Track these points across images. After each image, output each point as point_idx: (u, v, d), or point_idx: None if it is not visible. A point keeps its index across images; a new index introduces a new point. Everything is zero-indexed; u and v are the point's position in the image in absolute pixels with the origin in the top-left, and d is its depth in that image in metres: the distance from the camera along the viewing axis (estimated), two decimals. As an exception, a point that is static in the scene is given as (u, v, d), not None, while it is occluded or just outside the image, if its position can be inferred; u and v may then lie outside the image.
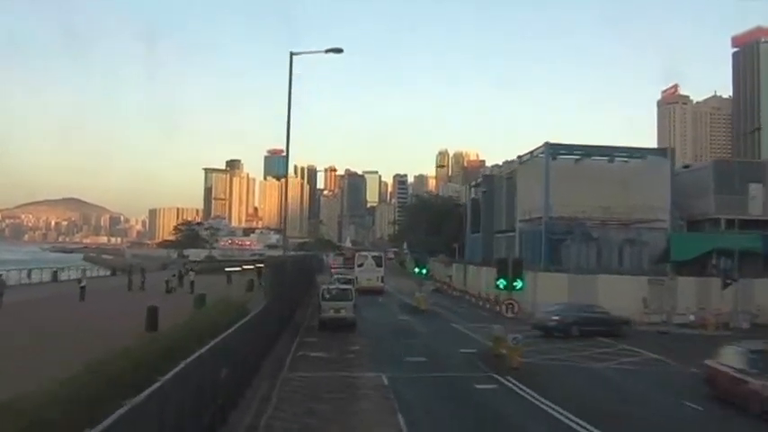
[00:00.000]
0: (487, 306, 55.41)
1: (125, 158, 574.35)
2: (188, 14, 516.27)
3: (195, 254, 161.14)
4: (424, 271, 56.08)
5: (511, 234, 66.21)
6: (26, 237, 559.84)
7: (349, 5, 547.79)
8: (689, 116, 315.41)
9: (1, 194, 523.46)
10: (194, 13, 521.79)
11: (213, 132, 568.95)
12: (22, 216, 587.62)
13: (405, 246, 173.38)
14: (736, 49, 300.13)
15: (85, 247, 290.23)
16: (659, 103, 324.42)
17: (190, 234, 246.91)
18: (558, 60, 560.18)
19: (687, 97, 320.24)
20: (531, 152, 58.15)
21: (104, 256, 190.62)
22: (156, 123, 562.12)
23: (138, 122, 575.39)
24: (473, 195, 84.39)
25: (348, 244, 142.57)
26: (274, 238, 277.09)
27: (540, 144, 57.02)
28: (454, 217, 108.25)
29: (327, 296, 40.17)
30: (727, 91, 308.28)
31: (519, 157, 60.85)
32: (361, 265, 72.78)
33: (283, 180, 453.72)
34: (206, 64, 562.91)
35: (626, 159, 59.73)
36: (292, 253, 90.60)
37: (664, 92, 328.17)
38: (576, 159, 59.90)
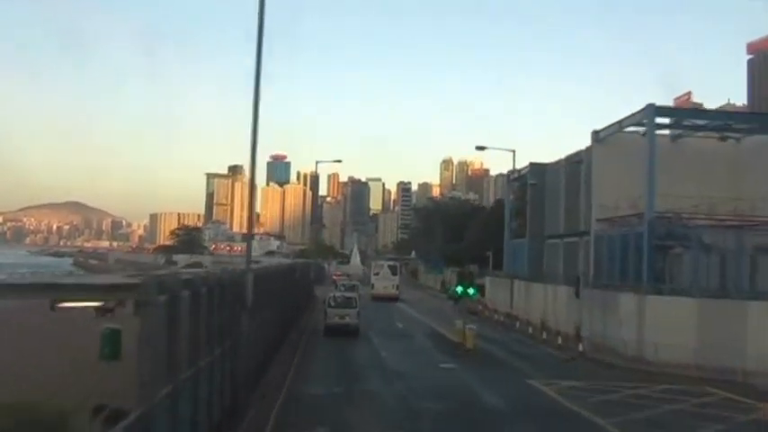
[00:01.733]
0: (558, 342, 37.41)
1: (128, 162, 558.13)
2: (190, 19, 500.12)
3: (185, 260, 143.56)
4: (471, 291, 37.30)
5: (572, 239, 48.27)
6: (27, 240, 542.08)
7: (353, 13, 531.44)
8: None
9: (3, 197, 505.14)
10: (196, 18, 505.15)
11: (215, 137, 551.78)
12: (24, 219, 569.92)
13: (413, 254, 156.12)
14: (750, 56, 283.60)
15: (80, 251, 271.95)
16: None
17: (187, 239, 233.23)
18: (566, 70, 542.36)
19: (701, 105, 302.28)
20: (620, 122, 40.13)
21: (91, 261, 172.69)
22: (159, 127, 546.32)
23: (141, 126, 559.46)
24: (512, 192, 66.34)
25: (356, 257, 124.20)
26: (275, 244, 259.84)
27: (634, 112, 39.13)
28: (477, 221, 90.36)
29: (333, 304, 41.09)
30: (741, 98, 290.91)
31: (595, 132, 42.86)
32: (377, 274, 73.56)
33: (286, 186, 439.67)
34: (208, 68, 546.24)
35: (739, 137, 41.97)
36: (277, 261, 72.83)
37: (677, 99, 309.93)
38: (675, 136, 42.12)
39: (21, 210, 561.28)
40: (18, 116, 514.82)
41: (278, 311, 28.71)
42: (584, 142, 45.30)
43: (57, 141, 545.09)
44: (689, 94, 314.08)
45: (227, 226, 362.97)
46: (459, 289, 35.77)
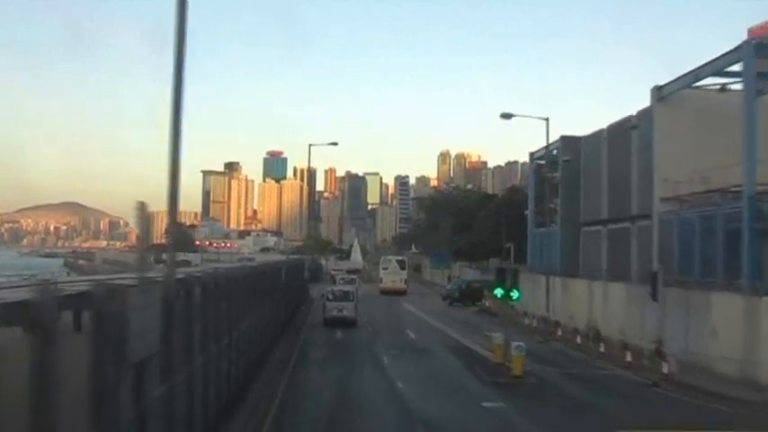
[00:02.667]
0: (626, 359, 28.00)
1: (125, 162, 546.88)
2: (186, 18, 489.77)
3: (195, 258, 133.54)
4: (515, 294, 27.19)
5: (619, 225, 38.85)
6: (24, 241, 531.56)
7: (348, 5, 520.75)
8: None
9: (1, 199, 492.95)
10: (192, 16, 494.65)
11: (211, 134, 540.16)
12: (22, 220, 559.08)
13: (413, 248, 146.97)
14: (753, 42, 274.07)
15: (73, 252, 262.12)
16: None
17: (181, 237, 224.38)
18: (563, 60, 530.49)
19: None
20: (696, 71, 30.65)
21: (80, 262, 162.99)
22: (155, 126, 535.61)
23: (137, 125, 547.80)
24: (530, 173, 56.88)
25: (357, 253, 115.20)
26: (271, 240, 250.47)
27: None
28: (488, 211, 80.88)
29: (331, 297, 41.57)
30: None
31: (657, 88, 33.40)
32: (386, 268, 74.80)
33: (283, 182, 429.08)
34: (204, 67, 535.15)
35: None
36: (269, 258, 63.76)
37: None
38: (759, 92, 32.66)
39: (18, 211, 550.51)
40: (14, 117, 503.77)
41: (244, 336, 19.07)
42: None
43: (53, 142, 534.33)
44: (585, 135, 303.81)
45: (222, 223, 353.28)
46: (499, 291, 26.11)
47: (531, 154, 54.06)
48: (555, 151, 47.85)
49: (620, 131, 39.04)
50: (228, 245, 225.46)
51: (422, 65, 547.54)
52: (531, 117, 41.17)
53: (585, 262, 43.44)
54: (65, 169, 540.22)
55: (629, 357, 27.72)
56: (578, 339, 33.43)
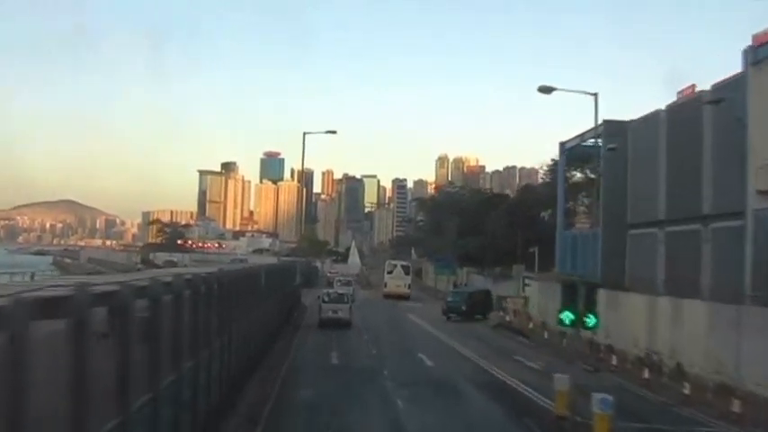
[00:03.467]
0: (733, 409, 19.82)
1: (121, 160, 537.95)
2: (183, 17, 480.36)
3: (164, 258, 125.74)
4: (591, 321, 18.51)
5: (683, 227, 30.82)
6: (20, 238, 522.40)
7: (347, 7, 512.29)
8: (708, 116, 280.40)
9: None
10: (189, 15, 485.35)
11: (209, 134, 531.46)
12: (18, 218, 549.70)
13: (413, 252, 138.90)
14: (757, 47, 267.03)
15: (65, 250, 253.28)
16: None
17: (175, 236, 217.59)
18: (563, 64, 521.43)
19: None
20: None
21: (66, 260, 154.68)
22: (153, 125, 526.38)
23: (135, 124, 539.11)
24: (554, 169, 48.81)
25: (355, 256, 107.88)
26: (266, 242, 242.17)
27: None
28: (500, 213, 72.79)
29: (327, 299, 41.11)
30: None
31: (752, 49, 25.54)
32: (390, 272, 73.93)
33: (280, 183, 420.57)
34: (202, 66, 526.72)
35: None
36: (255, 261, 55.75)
37: (680, 93, 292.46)
38: None
39: (14, 208, 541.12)
40: (11, 114, 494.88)
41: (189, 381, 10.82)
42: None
43: (50, 140, 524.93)
44: (692, 87, 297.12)
45: (218, 223, 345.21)
46: (567, 317, 17.67)
47: (562, 144, 45.96)
48: (593, 140, 39.81)
49: (688, 110, 31.04)
50: (218, 245, 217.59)
51: (420, 68, 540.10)
52: (574, 92, 32.92)
53: (633, 271, 35.39)
54: (62, 167, 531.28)
55: (736, 407, 19.57)
56: (646, 374, 25.19)
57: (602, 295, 33.28)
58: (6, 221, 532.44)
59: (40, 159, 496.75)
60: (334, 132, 54.74)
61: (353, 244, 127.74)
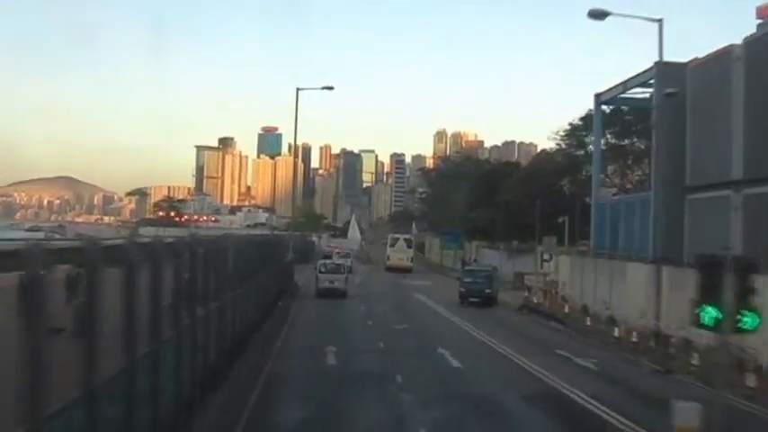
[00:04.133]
0: None
1: (119, 136, 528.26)
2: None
3: (148, 232, 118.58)
4: (749, 320, 11.71)
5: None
6: (18, 215, 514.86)
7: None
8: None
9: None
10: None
11: (206, 109, 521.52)
12: (15, 194, 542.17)
13: (413, 227, 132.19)
14: (760, 21, 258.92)
15: (59, 226, 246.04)
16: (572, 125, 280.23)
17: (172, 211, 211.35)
18: (562, 39, 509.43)
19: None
20: None
21: (54, 235, 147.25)
22: (148, 101, 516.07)
23: (131, 101, 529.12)
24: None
25: (355, 230, 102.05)
26: (263, 216, 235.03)
27: None
28: (514, 181, 65.92)
29: (323, 270, 41.55)
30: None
31: None
32: (393, 246, 73.26)
33: (277, 158, 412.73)
34: (198, 41, 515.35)
35: None
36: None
37: (761, 23, 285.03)
38: None
39: (12, 185, 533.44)
40: (7, 92, 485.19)
41: None
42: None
43: (47, 116, 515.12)
44: (696, 59, 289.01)
45: (214, 198, 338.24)
46: (711, 314, 10.93)
47: (597, 96, 38.67)
48: (638, 90, 32.81)
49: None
50: (214, 220, 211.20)
51: (418, 42, 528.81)
52: (633, 17, 25.95)
53: (695, 243, 28.50)
54: (59, 143, 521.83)
55: None
56: (748, 381, 18.45)
57: (662, 274, 26.73)
58: (3, 198, 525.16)
59: (36, 136, 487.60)
60: (330, 89, 47.91)
61: (353, 218, 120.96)
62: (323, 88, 47.44)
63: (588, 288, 34.72)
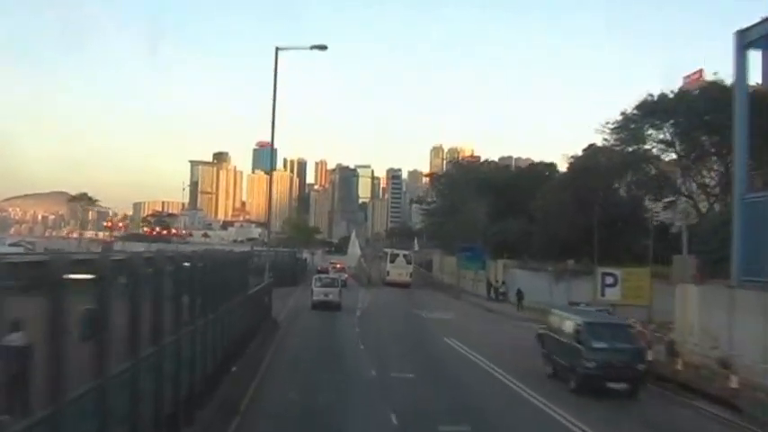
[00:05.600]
0: None
1: (113, 151, 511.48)
2: (173, 6, 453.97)
3: (135, 248, 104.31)
4: None
5: None
6: (12, 230, 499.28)
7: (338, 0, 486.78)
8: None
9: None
10: (176, 6, 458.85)
11: (200, 124, 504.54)
12: (10, 209, 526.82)
13: (415, 243, 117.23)
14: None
15: (28, 242, 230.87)
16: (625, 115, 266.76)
17: (160, 226, 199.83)
18: (560, 50, 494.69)
19: (714, 83, 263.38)
20: None
21: (29, 247, 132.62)
22: (144, 116, 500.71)
23: (126, 115, 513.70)
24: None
25: (355, 246, 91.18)
26: (256, 231, 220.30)
27: None
28: (556, 186, 51.59)
29: (319, 284, 42.82)
30: (756, 76, 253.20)
31: None
32: (393, 261, 71.80)
33: (273, 174, 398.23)
34: (193, 56, 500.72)
35: None
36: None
37: (686, 78, 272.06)
38: None
39: (6, 200, 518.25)
40: (5, 110, 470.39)
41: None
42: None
43: (41, 131, 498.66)
44: (700, 72, 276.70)
45: (206, 213, 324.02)
46: None
47: (741, 34, 23.96)
48: None
49: None
50: (203, 235, 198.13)
51: (414, 57, 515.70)
52: None
53: None
54: (53, 158, 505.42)
55: None
56: None
57: None
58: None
59: (30, 151, 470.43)
60: (323, 48, 33.48)
61: (353, 233, 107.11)
62: (312, 48, 33.04)
63: (745, 340, 20.29)
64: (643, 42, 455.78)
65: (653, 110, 49.58)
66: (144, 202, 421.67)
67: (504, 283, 52.76)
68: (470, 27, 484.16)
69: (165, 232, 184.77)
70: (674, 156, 49.25)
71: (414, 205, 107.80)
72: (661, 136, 49.11)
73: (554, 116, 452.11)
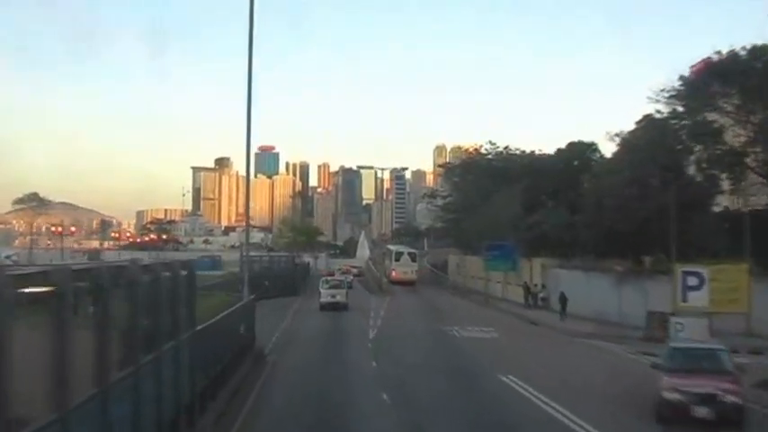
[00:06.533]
0: None
1: (115, 161, 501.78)
2: (173, 11, 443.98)
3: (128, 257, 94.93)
4: None
5: None
6: (16, 241, 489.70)
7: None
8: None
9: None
10: (177, 14, 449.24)
11: (202, 129, 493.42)
12: (14, 221, 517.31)
13: (425, 243, 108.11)
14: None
15: (46, 250, 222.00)
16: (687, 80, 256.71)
17: (159, 233, 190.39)
18: (564, 47, 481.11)
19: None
20: None
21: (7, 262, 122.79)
22: (146, 124, 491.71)
23: (127, 123, 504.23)
24: None
25: (364, 248, 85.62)
26: (258, 236, 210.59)
27: None
28: (604, 167, 41.99)
29: (326, 285, 43.26)
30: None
31: None
32: (397, 260, 69.59)
33: (275, 178, 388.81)
34: (193, 61, 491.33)
35: None
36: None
37: (692, 67, 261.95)
38: None
39: (10, 212, 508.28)
40: (3, 118, 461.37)
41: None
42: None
43: (45, 143, 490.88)
44: (709, 59, 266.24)
45: (206, 219, 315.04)
46: None
47: None
48: None
49: None
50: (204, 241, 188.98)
51: (416, 57, 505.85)
52: None
53: None
54: (57, 169, 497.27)
55: None
56: None
57: None
58: (2, 225, 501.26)
59: (35, 163, 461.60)
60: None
61: (363, 235, 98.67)
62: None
63: None
64: (658, 23, 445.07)
65: (722, 72, 40.07)
66: (146, 210, 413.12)
67: (544, 286, 43.22)
68: (471, 24, 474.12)
69: (163, 239, 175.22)
70: (750, 126, 39.72)
71: (424, 202, 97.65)
72: (735, 102, 39.64)
73: (556, 113, 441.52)
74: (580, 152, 48.51)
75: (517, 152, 64.53)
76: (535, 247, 46.49)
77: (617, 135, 44.57)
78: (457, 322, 35.02)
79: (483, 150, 66.58)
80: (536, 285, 43.92)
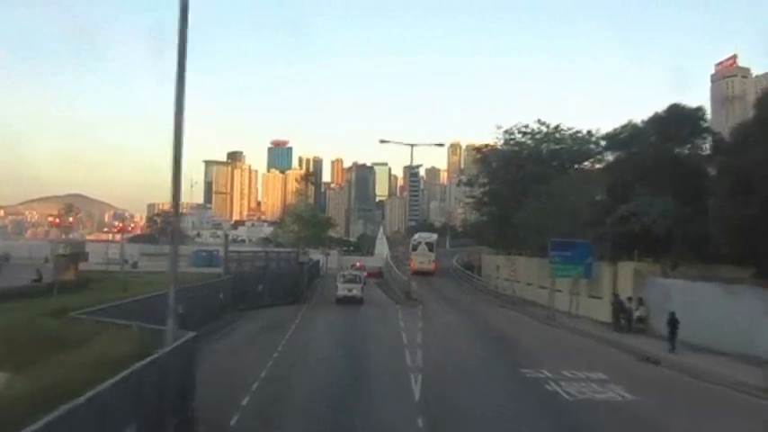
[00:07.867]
0: None
1: (128, 153, 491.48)
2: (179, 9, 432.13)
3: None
4: None
5: None
6: (28, 233, 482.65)
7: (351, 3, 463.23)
8: (750, 90, 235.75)
9: (6, 191, 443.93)
10: (193, 3, 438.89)
11: (215, 123, 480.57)
12: (26, 213, 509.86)
13: (446, 244, 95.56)
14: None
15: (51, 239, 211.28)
16: (713, 78, 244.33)
17: (166, 225, 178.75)
18: (571, 46, 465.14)
19: (748, 69, 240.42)
20: None
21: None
22: (157, 117, 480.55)
23: (142, 116, 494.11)
24: None
25: (383, 245, 77.13)
26: (268, 230, 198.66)
27: None
28: (739, 134, 29.04)
29: (342, 280, 42.87)
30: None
31: None
32: (414, 249, 66.67)
33: (288, 172, 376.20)
34: (206, 54, 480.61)
35: None
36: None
37: (718, 65, 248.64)
38: None
39: (22, 203, 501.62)
40: (18, 110, 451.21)
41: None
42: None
43: (56, 134, 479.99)
44: (733, 58, 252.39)
45: (218, 212, 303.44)
46: None
47: None
48: None
49: None
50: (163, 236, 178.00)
51: (430, 54, 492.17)
52: None
53: None
54: (69, 161, 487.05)
55: None
56: None
57: None
58: (14, 216, 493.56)
59: (47, 154, 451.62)
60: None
61: (381, 230, 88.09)
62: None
63: None
64: (686, 18, 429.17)
65: None
66: (157, 203, 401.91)
67: (642, 303, 30.42)
68: (486, 23, 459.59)
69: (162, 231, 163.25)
70: None
71: (437, 198, 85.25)
72: None
73: (568, 109, 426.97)
74: (680, 122, 35.70)
75: (568, 132, 52.11)
76: (618, 248, 33.74)
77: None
78: (540, 359, 22.35)
79: (531, 130, 53.53)
80: (629, 299, 31.10)
